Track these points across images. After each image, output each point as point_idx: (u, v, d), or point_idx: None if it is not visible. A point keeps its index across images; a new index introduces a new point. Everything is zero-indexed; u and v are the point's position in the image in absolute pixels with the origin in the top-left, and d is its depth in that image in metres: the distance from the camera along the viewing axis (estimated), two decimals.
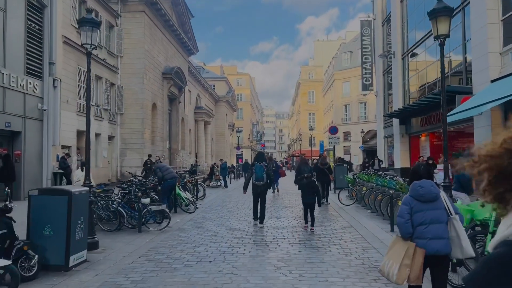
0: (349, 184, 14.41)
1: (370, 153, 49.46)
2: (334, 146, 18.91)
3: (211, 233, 8.99)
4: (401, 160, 27.25)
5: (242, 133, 69.97)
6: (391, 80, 31.16)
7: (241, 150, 63.80)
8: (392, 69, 29.11)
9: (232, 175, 28.71)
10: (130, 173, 18.14)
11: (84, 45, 8.10)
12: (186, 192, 13.59)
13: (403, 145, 27.40)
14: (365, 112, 54.30)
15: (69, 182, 15.31)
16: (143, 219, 9.39)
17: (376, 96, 32.86)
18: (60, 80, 15.63)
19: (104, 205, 9.37)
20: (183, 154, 30.98)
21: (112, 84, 21.99)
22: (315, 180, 10.40)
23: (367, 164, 22.43)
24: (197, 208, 13.21)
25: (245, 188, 10.34)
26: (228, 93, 58.09)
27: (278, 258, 6.78)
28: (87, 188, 7.14)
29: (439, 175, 13.10)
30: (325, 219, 10.93)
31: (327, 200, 14.35)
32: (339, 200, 13.46)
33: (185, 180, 15.23)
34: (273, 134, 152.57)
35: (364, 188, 13.38)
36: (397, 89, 27.80)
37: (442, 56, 9.77)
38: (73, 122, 17.57)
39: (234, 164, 42.44)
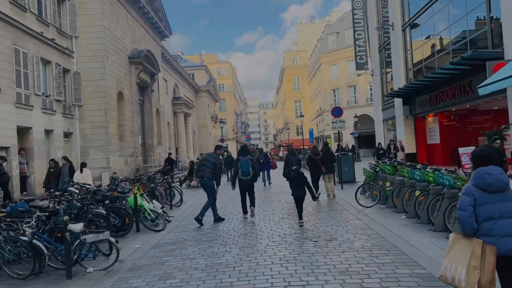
0: (368, 179, 11.20)
1: (364, 140, 46.64)
2: (338, 132, 15.66)
3: (182, 275, 5.64)
4: (407, 144, 24.22)
5: (226, 124, 66.50)
6: (388, 56, 28.07)
7: (226, 142, 60.37)
8: (390, 44, 25.95)
9: None
10: (69, 180, 12.40)
11: None
12: (154, 201, 10.17)
13: (408, 127, 24.36)
14: (355, 96, 51.41)
15: (7, 193, 11.70)
16: (75, 256, 5.99)
17: (372, 75, 29.76)
18: None
19: (10, 239, 5.91)
20: (160, 150, 27.40)
21: (66, 70, 18.25)
22: (303, 172, 9.38)
23: (381, 151, 19.11)
24: (168, 221, 9.82)
25: (233, 184, 10.11)
26: (209, 82, 54.39)
27: None
28: None
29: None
30: (343, 230, 7.66)
31: (317, 190, 12.12)
32: (356, 200, 10.23)
33: (154, 184, 11.80)
34: (257, 125, 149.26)
35: (388, 184, 10.21)
36: (398, 66, 24.69)
37: None
38: (11, 117, 13.89)
39: None
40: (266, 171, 19.10)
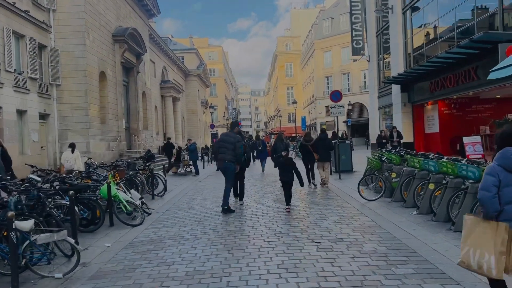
0: (371, 169, 10.15)
1: (356, 128, 45.78)
2: (337, 118, 14.56)
3: None
4: (404, 132, 23.27)
5: (216, 110, 65.09)
6: (386, 42, 26.95)
7: (216, 129, 59.11)
8: (389, 28, 24.80)
9: (206, 158, 24.15)
10: (32, 166, 11.41)
11: None
12: (132, 191, 9.00)
13: (406, 115, 23.37)
14: (348, 84, 50.37)
15: None
16: (24, 260, 4.83)
17: (368, 61, 28.65)
18: None
19: None
20: (146, 135, 26.09)
21: (43, 46, 16.79)
22: (291, 157, 9.42)
23: (384, 140, 18.01)
24: (148, 214, 8.69)
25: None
26: (199, 66, 52.81)
27: None
28: None
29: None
30: (349, 228, 6.62)
31: (313, 179, 12.27)
32: (359, 192, 9.18)
33: (134, 172, 10.61)
34: (248, 112, 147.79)
35: (394, 175, 9.19)
36: (396, 51, 23.59)
37: None
38: None
39: (209, 145, 37.74)
40: (264, 159, 18.60)
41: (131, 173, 9.50)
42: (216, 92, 68.35)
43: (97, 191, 7.87)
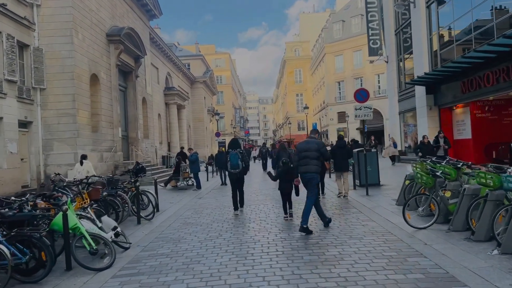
0: (415, 186, 7.90)
1: (369, 135, 43.18)
2: (363, 121, 12.29)
3: None
4: (430, 140, 20.93)
5: (223, 118, 63.12)
6: (406, 40, 24.71)
7: (223, 137, 57.05)
8: (411, 24, 22.58)
9: (210, 169, 21.99)
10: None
11: None
12: (105, 218, 6.84)
13: (432, 120, 21.02)
14: None
15: None
16: None
17: (387, 62, 26.40)
18: None
19: None
20: (146, 145, 24.06)
21: (25, 46, 14.90)
22: (292, 167, 8.40)
23: (435, 147, 14.41)
24: (125, 248, 6.55)
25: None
26: (206, 73, 50.96)
27: None
28: None
29: None
30: (410, 283, 4.38)
31: (322, 193, 11.48)
32: (404, 218, 6.90)
33: (113, 190, 8.46)
34: (256, 121, 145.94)
35: (448, 194, 6.94)
36: (420, 49, 21.31)
37: None
38: None
39: (214, 154, 35.56)
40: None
41: (105, 193, 7.34)
42: (223, 100, 66.47)
43: (48, 222, 5.72)
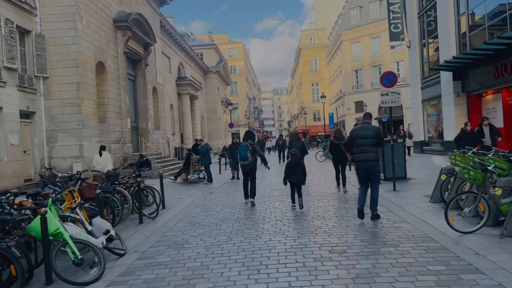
0: (462, 182, 6.79)
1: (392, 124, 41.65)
2: (390, 108, 11.13)
3: None
4: (457, 129, 19.49)
5: (237, 109, 62.13)
6: (430, 24, 23.18)
7: (237, 128, 56.15)
8: (437, 5, 21.06)
9: (223, 161, 21.07)
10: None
11: None
12: (97, 219, 5.93)
13: (459, 108, 19.60)
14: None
15: None
16: None
17: (409, 47, 24.91)
18: None
19: None
20: (157, 136, 23.26)
21: (26, 31, 14.13)
22: (301, 158, 8.96)
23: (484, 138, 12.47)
24: (120, 255, 5.65)
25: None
26: (219, 63, 49.91)
27: None
28: None
29: None
30: None
31: (344, 185, 10.78)
32: (447, 221, 5.80)
33: (111, 187, 7.57)
34: (271, 112, 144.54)
35: (499, 192, 5.82)
36: (447, 31, 19.82)
37: None
38: None
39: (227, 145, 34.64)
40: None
41: (98, 191, 6.44)
42: (237, 90, 65.40)
43: (25, 226, 4.83)
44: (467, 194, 6.17)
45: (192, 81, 35.51)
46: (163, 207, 9.46)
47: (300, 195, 8.45)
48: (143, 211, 8.41)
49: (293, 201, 8.52)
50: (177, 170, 16.09)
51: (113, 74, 17.82)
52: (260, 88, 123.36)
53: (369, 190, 7.11)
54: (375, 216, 6.98)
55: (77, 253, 4.89)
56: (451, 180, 7.70)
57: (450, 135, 19.91)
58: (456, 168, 7.78)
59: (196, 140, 18.80)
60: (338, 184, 11.09)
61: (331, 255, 5.19)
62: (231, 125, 34.94)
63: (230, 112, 39.20)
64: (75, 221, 5.62)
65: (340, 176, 10.95)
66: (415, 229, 6.34)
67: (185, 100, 34.27)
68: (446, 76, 20.01)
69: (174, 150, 28.88)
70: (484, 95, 18.79)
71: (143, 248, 6.16)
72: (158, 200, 8.77)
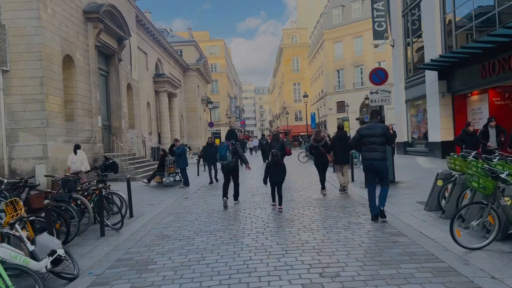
0: (465, 189, 6.06)
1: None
2: (381, 107, 10.46)
3: None
4: (442, 130, 19.13)
5: (218, 108, 61.05)
6: (414, 22, 22.75)
7: (218, 127, 55.09)
8: (422, 3, 20.62)
9: (202, 162, 20.03)
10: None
11: None
12: (43, 236, 4.93)
13: (444, 108, 19.17)
14: (361, 78, 46.08)
15: None
16: None
17: (393, 46, 24.45)
18: None
19: None
20: (132, 135, 22.07)
21: None
22: (281, 158, 9.04)
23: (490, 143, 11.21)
24: (70, 279, 4.72)
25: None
26: (199, 60, 48.76)
27: None
28: None
29: None
30: None
31: (323, 188, 10.47)
32: (452, 236, 5.04)
33: (66, 195, 6.55)
34: (253, 111, 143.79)
35: (509, 201, 5.11)
36: (432, 30, 19.36)
37: None
38: None
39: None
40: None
41: (47, 201, 5.41)
42: (218, 89, 64.29)
43: None
44: (473, 205, 5.41)
45: (171, 78, 34.32)
46: (131, 215, 8.47)
47: (280, 195, 8.56)
48: (106, 221, 7.43)
49: (273, 200, 8.78)
50: (151, 173, 15.03)
51: (82, 69, 16.61)
52: (242, 87, 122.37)
53: (377, 190, 7.00)
54: (381, 213, 6.90)
55: (8, 282, 3.89)
56: (449, 186, 7.00)
57: (435, 136, 19.48)
58: (455, 173, 7.11)
59: (175, 140, 17.81)
60: (323, 187, 10.63)
61: (323, 280, 4.35)
62: (210, 124, 33.92)
63: (210, 110, 38.11)
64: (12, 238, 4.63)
65: (321, 177, 10.62)
66: (415, 244, 5.57)
67: (163, 98, 33.06)
68: (431, 76, 19.56)
69: (150, 150, 27.67)
70: (469, 95, 18.41)
71: (99, 270, 5.18)
72: (124, 208, 7.77)
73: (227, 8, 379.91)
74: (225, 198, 9.21)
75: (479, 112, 17.83)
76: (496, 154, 6.64)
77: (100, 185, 6.98)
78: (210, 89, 60.28)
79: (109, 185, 9.24)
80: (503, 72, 14.54)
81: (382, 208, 6.94)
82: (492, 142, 10.70)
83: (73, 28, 15.95)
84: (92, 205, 7.46)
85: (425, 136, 21.40)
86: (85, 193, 7.58)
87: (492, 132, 11.02)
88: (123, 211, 7.80)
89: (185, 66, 44.38)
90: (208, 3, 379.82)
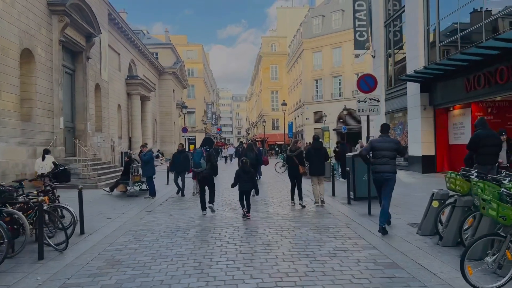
0: (469, 213, 5.23)
1: (347, 137, 41.26)
2: (367, 117, 9.65)
3: None
4: (423, 144, 18.63)
5: (194, 114, 59.73)
6: (396, 34, 22.40)
7: (193, 133, 53.76)
8: (405, 14, 20.23)
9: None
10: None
11: None
12: None
13: (426, 122, 18.68)
14: (340, 88, 45.86)
15: None
16: None
17: (374, 57, 24.01)
18: None
19: None
20: (98, 139, 20.62)
21: None
22: (250, 167, 9.00)
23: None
24: None
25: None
26: (176, 64, 47.44)
27: None
28: None
29: None
30: None
31: (300, 199, 10.08)
32: (463, 274, 4.16)
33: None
34: (230, 118, 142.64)
35: None
36: (415, 41, 18.91)
37: None
38: None
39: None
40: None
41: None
42: (195, 94, 62.99)
43: None
44: (487, 237, 4.55)
45: (144, 81, 32.93)
46: (82, 232, 7.26)
47: (248, 203, 8.57)
48: (49, 240, 6.24)
49: (242, 207, 8.69)
50: (114, 181, 13.74)
51: (44, 65, 15.22)
52: (219, 94, 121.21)
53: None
54: (383, 230, 6.76)
55: None
56: (452, 210, 6.15)
57: (415, 149, 18.97)
58: (453, 193, 6.31)
59: (144, 145, 16.58)
60: (292, 199, 10.37)
61: None
62: (184, 130, 32.62)
63: (184, 115, 36.82)
64: None
65: (296, 190, 10.26)
66: (415, 280, 4.66)
67: (135, 101, 31.62)
68: (413, 88, 19.11)
69: (119, 155, 26.19)
70: (452, 109, 18.03)
71: None
72: (72, 226, 6.57)
73: (208, 14, 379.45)
74: (204, 213, 9.05)
75: (461, 126, 17.44)
76: (503, 174, 5.84)
77: (39, 198, 5.78)
78: (187, 94, 58.95)
79: (59, 196, 8.02)
80: (488, 86, 14.12)
81: (383, 226, 6.81)
82: (502, 158, 9.29)
83: (34, 20, 14.59)
84: (34, 220, 6.25)
85: (405, 149, 20.90)
86: (25, 207, 6.35)
87: (504, 147, 9.61)
88: (70, 229, 6.59)
89: (161, 69, 43.01)
90: (190, 8, 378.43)
